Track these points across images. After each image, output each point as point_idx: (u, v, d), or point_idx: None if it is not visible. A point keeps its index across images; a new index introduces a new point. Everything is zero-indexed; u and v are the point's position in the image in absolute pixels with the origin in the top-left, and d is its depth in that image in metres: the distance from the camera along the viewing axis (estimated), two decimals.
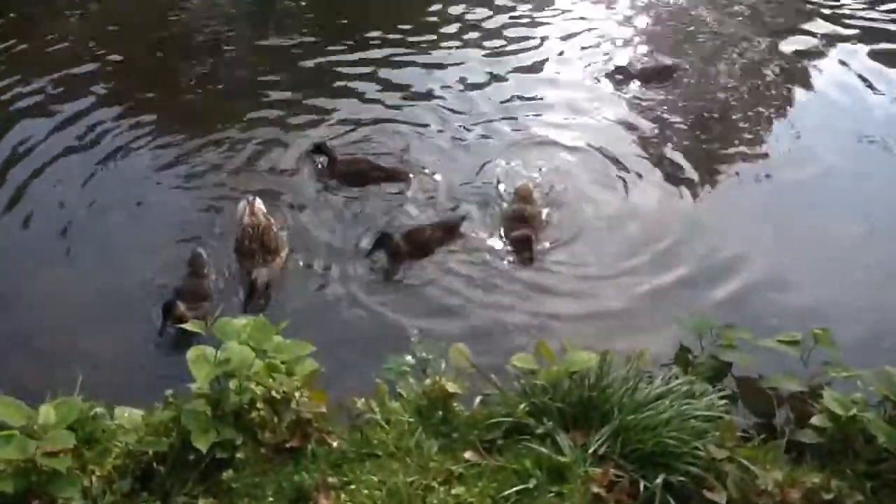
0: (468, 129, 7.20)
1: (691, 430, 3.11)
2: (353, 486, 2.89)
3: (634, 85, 7.90)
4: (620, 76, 8.01)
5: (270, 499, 2.84)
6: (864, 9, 9.47)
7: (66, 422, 2.82)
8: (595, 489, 2.90)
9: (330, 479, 2.90)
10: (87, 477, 2.81)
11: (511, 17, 9.39)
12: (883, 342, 4.84)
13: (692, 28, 9.15)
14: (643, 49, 8.70)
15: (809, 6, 9.56)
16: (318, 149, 6.53)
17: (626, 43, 8.82)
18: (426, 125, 7.25)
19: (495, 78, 8.02)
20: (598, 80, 8.02)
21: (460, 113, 7.46)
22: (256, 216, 5.65)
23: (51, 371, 4.22)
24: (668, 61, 8.12)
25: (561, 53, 8.58)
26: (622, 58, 8.34)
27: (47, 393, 3.06)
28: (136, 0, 9.94)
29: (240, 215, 5.71)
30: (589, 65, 8.28)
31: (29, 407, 2.84)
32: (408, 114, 7.46)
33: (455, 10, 9.50)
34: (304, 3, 9.72)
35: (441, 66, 8.26)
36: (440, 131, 7.18)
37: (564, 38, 8.87)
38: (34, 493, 2.68)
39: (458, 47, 8.68)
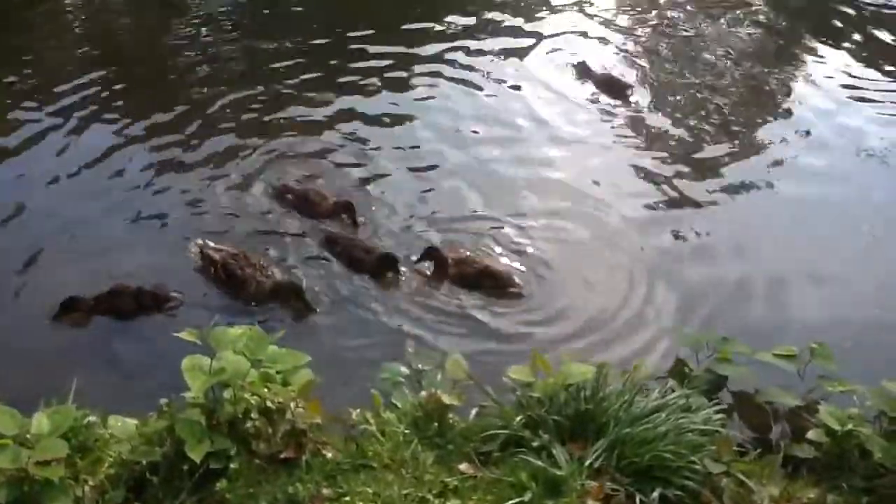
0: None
1: (687, 443, 3.10)
2: (347, 498, 2.87)
3: (590, 85, 8.06)
4: (582, 71, 8.22)
5: None
6: (863, 20, 9.55)
7: (60, 431, 2.80)
8: (591, 503, 2.89)
9: (324, 491, 2.88)
10: (80, 486, 2.79)
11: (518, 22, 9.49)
12: (881, 356, 4.84)
13: (690, 39, 9.20)
14: (631, 57, 8.76)
15: (807, 18, 9.63)
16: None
17: (619, 50, 8.91)
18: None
19: (487, 86, 8.08)
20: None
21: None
22: (221, 251, 5.57)
23: (44, 379, 4.19)
24: (624, 79, 8.18)
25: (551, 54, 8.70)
26: (590, 56, 8.49)
27: (40, 401, 3.04)
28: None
29: (205, 259, 5.58)
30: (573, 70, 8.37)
31: (22, 415, 2.82)
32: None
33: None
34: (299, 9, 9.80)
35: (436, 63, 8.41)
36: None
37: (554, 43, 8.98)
38: (26, 502, 2.65)
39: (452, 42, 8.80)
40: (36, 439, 2.73)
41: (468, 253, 5.78)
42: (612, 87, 7.99)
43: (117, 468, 2.93)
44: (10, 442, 2.69)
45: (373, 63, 8.46)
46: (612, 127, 7.51)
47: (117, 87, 7.91)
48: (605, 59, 8.68)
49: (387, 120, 7.53)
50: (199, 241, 5.75)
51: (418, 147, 7.14)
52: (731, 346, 4.35)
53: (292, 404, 3.01)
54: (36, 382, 3.82)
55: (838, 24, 9.59)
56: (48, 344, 4.95)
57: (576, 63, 8.35)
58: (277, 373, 3.12)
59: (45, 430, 2.78)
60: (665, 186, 6.67)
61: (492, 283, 5.55)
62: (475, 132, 7.39)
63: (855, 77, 8.47)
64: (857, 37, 9.31)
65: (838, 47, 9.08)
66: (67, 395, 3.11)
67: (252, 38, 9.07)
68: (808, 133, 7.51)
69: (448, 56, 8.73)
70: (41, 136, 7.10)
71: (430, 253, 5.64)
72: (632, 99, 7.88)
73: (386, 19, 9.47)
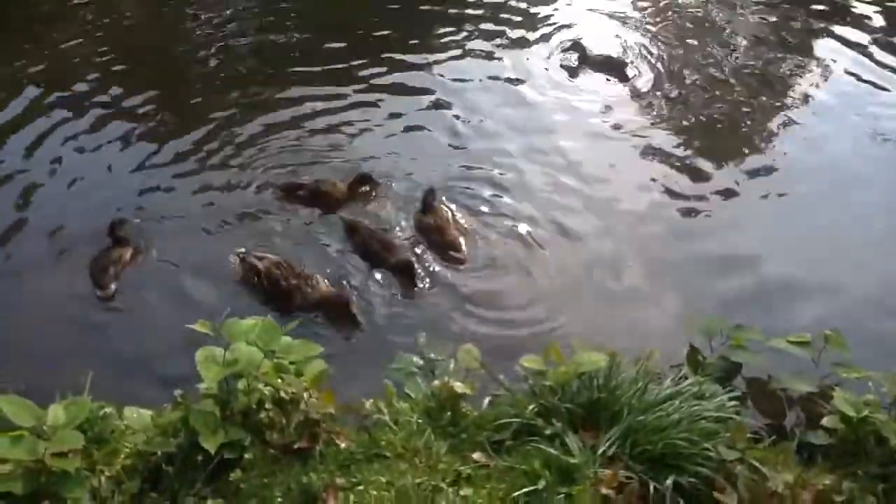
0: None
1: (701, 431, 3.09)
2: (361, 487, 2.88)
3: (586, 69, 8.06)
4: (575, 54, 8.20)
5: (279, 500, 2.83)
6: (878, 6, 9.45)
7: (76, 422, 2.82)
8: (604, 491, 2.88)
9: (338, 480, 2.89)
10: (96, 477, 2.81)
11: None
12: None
13: (703, 28, 9.12)
14: (639, 41, 8.72)
15: (822, 5, 9.52)
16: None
17: (637, 42, 8.82)
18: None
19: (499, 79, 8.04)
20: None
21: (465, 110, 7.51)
22: (264, 259, 5.47)
23: (60, 371, 4.22)
24: (621, 57, 8.22)
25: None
26: (593, 37, 8.53)
27: (56, 393, 3.07)
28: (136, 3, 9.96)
29: (247, 267, 5.48)
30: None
31: (38, 407, 2.84)
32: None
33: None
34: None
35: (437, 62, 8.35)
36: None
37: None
38: (43, 493, 2.67)
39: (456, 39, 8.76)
40: (52, 431, 2.75)
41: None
42: (611, 66, 8.03)
43: (133, 459, 2.94)
44: (26, 433, 2.71)
45: (376, 46, 8.51)
46: (619, 113, 7.49)
47: (128, 81, 7.92)
48: (612, 42, 8.66)
49: (387, 102, 7.62)
50: (241, 249, 5.58)
51: (420, 131, 7.21)
52: (745, 332, 4.33)
53: (305, 395, 3.02)
54: (52, 375, 3.86)
55: (853, 9, 9.47)
56: (64, 337, 4.99)
57: (572, 44, 8.36)
58: (290, 363, 3.12)
59: (62, 421, 2.79)
60: (671, 174, 6.63)
61: (439, 240, 5.80)
62: (480, 120, 7.40)
63: (871, 62, 8.37)
64: (872, 21, 9.19)
65: (852, 33, 8.97)
66: (83, 388, 3.13)
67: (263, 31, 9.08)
68: (821, 117, 7.43)
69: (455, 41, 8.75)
70: (52, 132, 7.14)
71: (430, 193, 6.09)
72: (632, 78, 7.91)
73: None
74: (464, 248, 5.79)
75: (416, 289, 5.42)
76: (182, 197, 6.34)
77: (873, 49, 8.59)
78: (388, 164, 6.70)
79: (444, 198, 6.27)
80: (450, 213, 6.05)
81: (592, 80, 7.96)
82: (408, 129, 7.27)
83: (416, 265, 5.50)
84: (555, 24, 9.14)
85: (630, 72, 8.00)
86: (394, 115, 7.43)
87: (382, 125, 7.24)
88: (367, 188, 6.35)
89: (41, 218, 6.06)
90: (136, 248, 5.72)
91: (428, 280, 5.54)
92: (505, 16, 9.33)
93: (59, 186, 6.42)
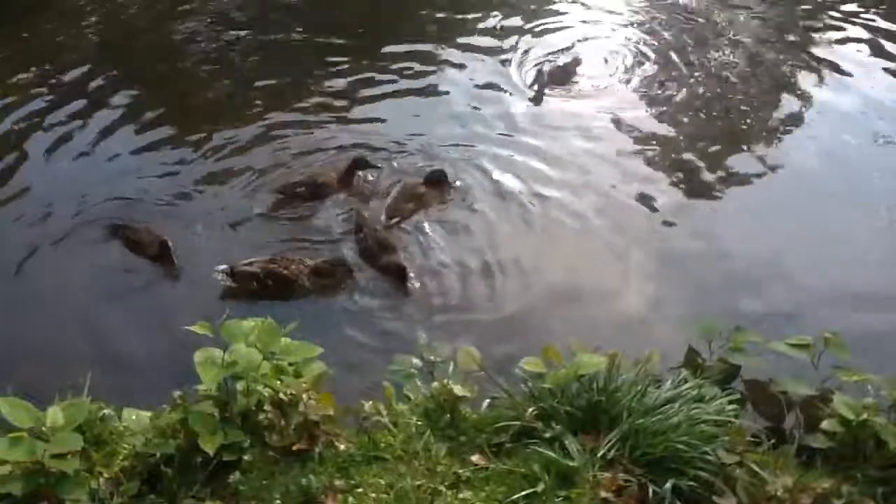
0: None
1: (701, 434, 3.09)
2: (360, 490, 2.88)
3: (549, 89, 7.92)
4: (535, 83, 8.03)
5: (278, 501, 2.83)
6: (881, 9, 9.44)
7: (74, 423, 2.82)
8: (604, 494, 2.88)
9: (337, 483, 2.89)
10: (95, 479, 2.82)
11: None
12: None
13: (703, 28, 9.12)
14: (636, 39, 8.71)
15: (824, 5, 9.51)
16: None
17: (629, 45, 8.81)
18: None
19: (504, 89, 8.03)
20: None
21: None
22: (254, 263, 5.47)
23: (59, 373, 4.22)
24: (568, 60, 8.21)
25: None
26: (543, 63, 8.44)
27: (55, 394, 3.07)
28: None
29: (241, 277, 5.47)
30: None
31: (37, 409, 2.84)
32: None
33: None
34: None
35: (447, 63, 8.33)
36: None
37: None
38: (42, 494, 2.68)
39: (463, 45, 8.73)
40: (51, 432, 2.75)
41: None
42: (566, 73, 8.00)
43: (132, 460, 2.94)
44: (25, 435, 2.71)
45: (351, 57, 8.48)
46: (622, 113, 7.47)
47: (123, 81, 7.90)
48: (605, 41, 8.66)
49: (373, 105, 7.65)
50: (222, 266, 5.50)
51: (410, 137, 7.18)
52: (744, 335, 4.31)
53: (305, 396, 3.01)
54: (51, 376, 3.87)
55: (856, 9, 9.47)
56: (62, 338, 4.98)
57: (538, 70, 8.21)
58: (290, 365, 3.13)
59: (60, 423, 2.79)
60: (672, 173, 6.62)
61: (392, 201, 6.18)
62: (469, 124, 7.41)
63: (874, 61, 8.36)
64: (875, 21, 9.18)
65: (855, 33, 8.96)
66: (82, 389, 3.13)
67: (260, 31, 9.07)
68: (824, 119, 7.42)
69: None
70: (41, 123, 7.15)
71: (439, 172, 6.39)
72: (581, 77, 7.95)
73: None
74: (392, 226, 5.99)
75: (407, 289, 5.44)
76: (178, 188, 6.33)
77: (876, 49, 8.58)
78: (390, 147, 6.82)
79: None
80: (434, 200, 6.23)
81: (581, 81, 7.94)
82: (410, 112, 7.38)
83: (407, 269, 5.50)
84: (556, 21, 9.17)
85: (578, 70, 8.05)
86: (398, 93, 7.59)
87: (385, 109, 7.33)
88: (364, 171, 6.42)
89: (33, 214, 6.04)
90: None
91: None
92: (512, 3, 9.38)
93: (49, 180, 6.40)
